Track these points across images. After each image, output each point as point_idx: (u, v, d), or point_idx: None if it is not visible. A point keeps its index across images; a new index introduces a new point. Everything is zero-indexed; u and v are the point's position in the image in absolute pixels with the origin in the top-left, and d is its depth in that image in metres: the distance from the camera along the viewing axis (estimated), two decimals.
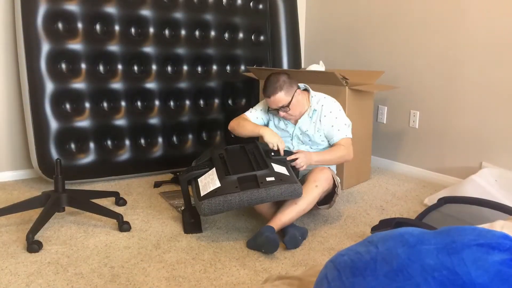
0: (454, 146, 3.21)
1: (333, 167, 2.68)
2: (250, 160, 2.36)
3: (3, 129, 3.18)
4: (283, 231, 2.29)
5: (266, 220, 2.39)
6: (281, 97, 2.43)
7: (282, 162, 2.37)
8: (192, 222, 2.42)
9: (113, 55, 3.15)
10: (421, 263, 0.78)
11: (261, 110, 2.66)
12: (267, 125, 2.66)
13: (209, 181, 2.27)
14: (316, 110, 2.53)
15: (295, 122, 2.57)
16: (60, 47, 2.97)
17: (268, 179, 2.21)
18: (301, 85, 2.62)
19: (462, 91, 3.12)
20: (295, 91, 2.48)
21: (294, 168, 2.40)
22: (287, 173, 2.28)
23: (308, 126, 2.54)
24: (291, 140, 2.59)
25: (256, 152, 2.43)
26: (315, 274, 1.16)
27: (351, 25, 3.81)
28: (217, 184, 2.22)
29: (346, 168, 3.08)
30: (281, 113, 2.48)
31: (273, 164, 2.31)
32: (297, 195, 2.22)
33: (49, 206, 2.35)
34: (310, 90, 2.60)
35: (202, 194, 2.22)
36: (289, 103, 2.45)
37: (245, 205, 2.17)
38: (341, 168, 3.05)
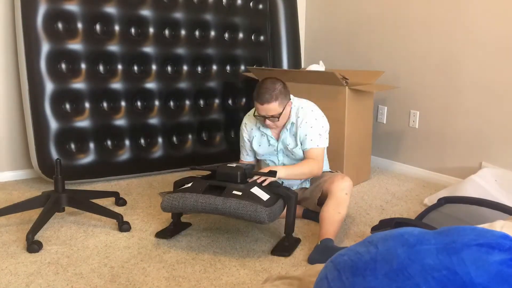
0: (454, 146, 3.21)
1: (326, 166, 2.64)
2: (237, 176, 2.21)
3: (3, 129, 3.18)
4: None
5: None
6: (274, 107, 2.33)
7: (269, 191, 2.20)
8: (170, 228, 2.37)
9: (113, 55, 3.15)
10: (421, 263, 0.78)
11: (246, 141, 2.58)
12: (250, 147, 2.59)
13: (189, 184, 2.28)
14: (293, 123, 2.45)
15: (278, 137, 2.50)
16: (60, 47, 2.97)
17: (235, 192, 2.10)
18: None
19: (462, 91, 3.12)
20: (287, 102, 2.39)
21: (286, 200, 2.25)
22: (264, 198, 2.11)
23: (290, 140, 2.46)
24: (277, 155, 2.53)
25: (247, 172, 2.31)
26: (315, 274, 1.16)
27: (351, 25, 3.81)
28: (189, 185, 2.22)
29: (346, 168, 3.08)
30: (267, 122, 2.39)
31: (256, 187, 2.17)
32: (257, 218, 2.02)
33: (49, 206, 2.35)
34: (292, 99, 2.49)
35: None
36: (280, 114, 2.36)
37: (199, 209, 2.09)
38: (341, 168, 3.05)
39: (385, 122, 3.66)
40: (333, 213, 2.27)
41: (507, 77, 2.88)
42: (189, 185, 2.23)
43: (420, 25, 3.32)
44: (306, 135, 2.42)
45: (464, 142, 3.15)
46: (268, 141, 2.52)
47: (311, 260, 2.10)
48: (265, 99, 2.32)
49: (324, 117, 2.49)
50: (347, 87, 2.96)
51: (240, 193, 2.10)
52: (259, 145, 2.55)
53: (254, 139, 2.55)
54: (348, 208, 2.36)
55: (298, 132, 2.43)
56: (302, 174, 2.43)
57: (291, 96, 2.48)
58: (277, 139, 2.50)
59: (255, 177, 2.26)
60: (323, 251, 2.11)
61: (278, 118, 2.38)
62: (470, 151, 3.12)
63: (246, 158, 2.63)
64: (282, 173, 2.34)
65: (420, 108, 3.39)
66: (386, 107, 3.63)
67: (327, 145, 2.49)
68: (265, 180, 2.26)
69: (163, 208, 2.17)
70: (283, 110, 2.37)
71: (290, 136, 2.47)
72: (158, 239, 2.31)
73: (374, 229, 2.37)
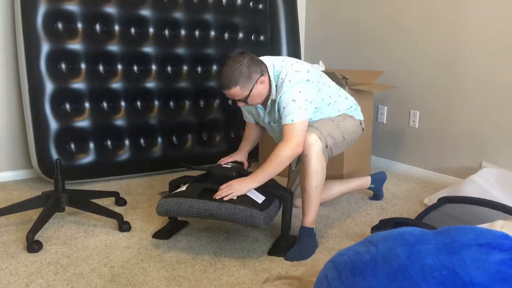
0: (454, 146, 3.21)
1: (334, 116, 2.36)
2: (232, 177, 2.17)
3: (3, 129, 3.17)
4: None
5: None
6: (236, 92, 2.07)
7: (264, 191, 2.15)
8: (167, 228, 2.39)
9: (113, 55, 3.15)
10: (421, 262, 0.78)
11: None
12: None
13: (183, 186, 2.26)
14: (274, 100, 2.18)
15: (264, 106, 2.28)
16: (60, 47, 2.97)
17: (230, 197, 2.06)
18: (267, 60, 2.19)
19: (462, 91, 3.12)
20: (255, 82, 2.08)
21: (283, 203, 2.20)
22: (259, 201, 2.07)
23: (275, 115, 2.22)
24: (270, 123, 2.32)
25: (243, 172, 2.26)
26: (315, 274, 1.16)
27: (351, 25, 3.81)
28: (184, 188, 2.20)
29: (346, 168, 3.08)
30: (239, 104, 2.18)
31: (253, 190, 2.11)
32: (252, 223, 1.99)
33: (49, 206, 2.35)
34: (272, 66, 2.16)
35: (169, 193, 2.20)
36: (247, 97, 2.10)
37: (194, 214, 2.06)
38: (341, 168, 3.05)
39: (385, 122, 3.66)
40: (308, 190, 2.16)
41: (508, 77, 2.88)
42: (184, 188, 2.20)
43: (420, 25, 3.32)
44: (284, 108, 2.11)
45: (464, 142, 3.15)
46: (257, 110, 2.33)
47: (289, 257, 2.10)
48: (224, 84, 2.06)
49: (308, 83, 2.14)
50: (347, 87, 2.96)
51: (235, 197, 2.06)
52: (250, 112, 2.42)
53: (244, 106, 2.36)
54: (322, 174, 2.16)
55: (279, 104, 2.15)
56: (273, 170, 2.11)
57: (271, 62, 2.18)
58: (265, 108, 2.28)
59: (218, 192, 2.09)
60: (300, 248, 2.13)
61: (246, 101, 2.13)
62: (470, 151, 3.12)
63: (247, 118, 2.48)
64: (249, 185, 2.10)
65: (420, 108, 3.39)
66: (386, 107, 3.63)
67: (307, 117, 2.13)
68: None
69: (158, 213, 2.15)
70: (250, 93, 2.09)
71: (275, 112, 2.20)
72: (158, 239, 2.30)
73: (374, 229, 2.37)
